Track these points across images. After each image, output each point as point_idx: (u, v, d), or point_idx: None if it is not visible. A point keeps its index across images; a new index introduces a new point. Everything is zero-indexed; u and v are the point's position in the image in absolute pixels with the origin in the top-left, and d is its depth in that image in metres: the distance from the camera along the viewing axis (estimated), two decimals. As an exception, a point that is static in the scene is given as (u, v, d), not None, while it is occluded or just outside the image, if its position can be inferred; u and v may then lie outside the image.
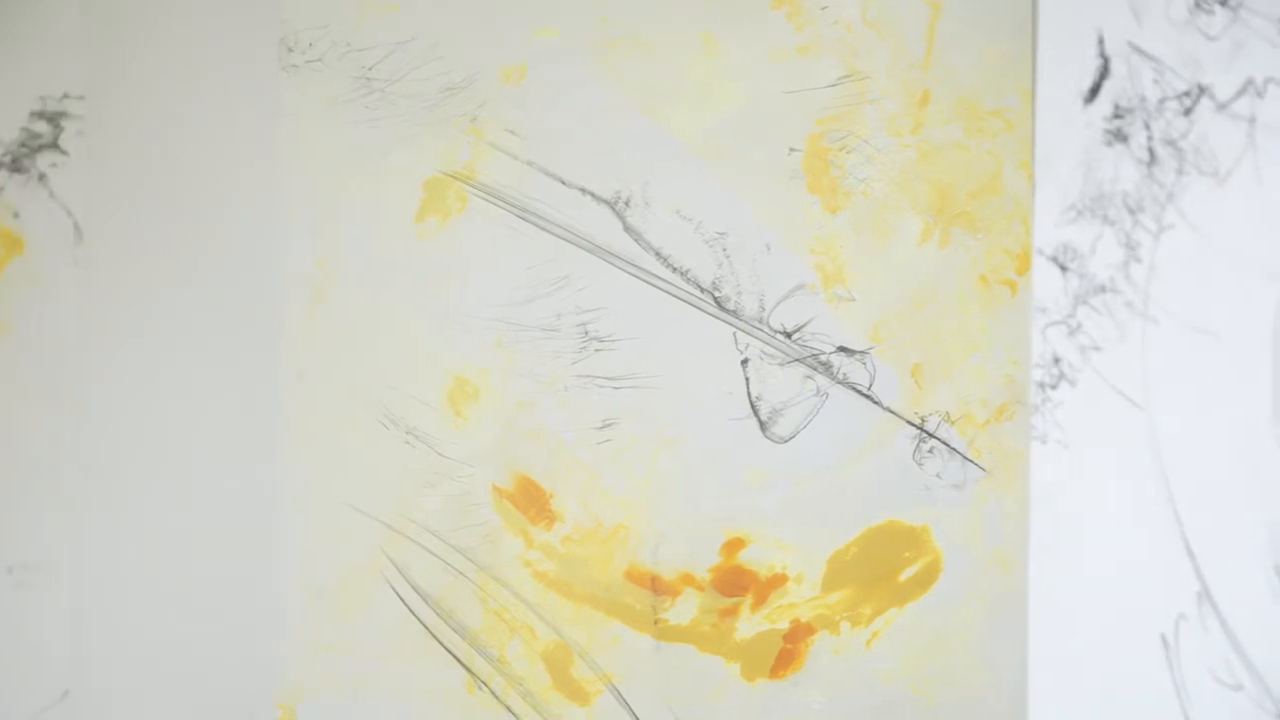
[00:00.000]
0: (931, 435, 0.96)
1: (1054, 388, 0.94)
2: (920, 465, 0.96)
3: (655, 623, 0.96)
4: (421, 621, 0.96)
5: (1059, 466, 0.94)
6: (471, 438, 0.96)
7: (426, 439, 0.96)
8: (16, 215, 0.95)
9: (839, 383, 0.96)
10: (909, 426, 0.96)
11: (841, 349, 0.96)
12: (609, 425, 0.96)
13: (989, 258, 0.96)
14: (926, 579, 0.96)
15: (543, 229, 0.96)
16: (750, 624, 0.96)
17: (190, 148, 0.96)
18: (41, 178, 0.95)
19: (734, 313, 0.96)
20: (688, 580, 0.96)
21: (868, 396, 0.96)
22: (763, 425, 0.96)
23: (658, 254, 0.96)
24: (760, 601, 0.96)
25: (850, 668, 0.96)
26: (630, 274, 0.96)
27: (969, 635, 0.96)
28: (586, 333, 0.96)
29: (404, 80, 0.96)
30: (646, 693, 0.96)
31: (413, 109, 0.96)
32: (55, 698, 0.94)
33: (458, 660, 0.96)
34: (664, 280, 0.96)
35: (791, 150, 0.96)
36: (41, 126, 0.95)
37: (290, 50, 0.96)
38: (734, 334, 0.96)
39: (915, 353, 0.96)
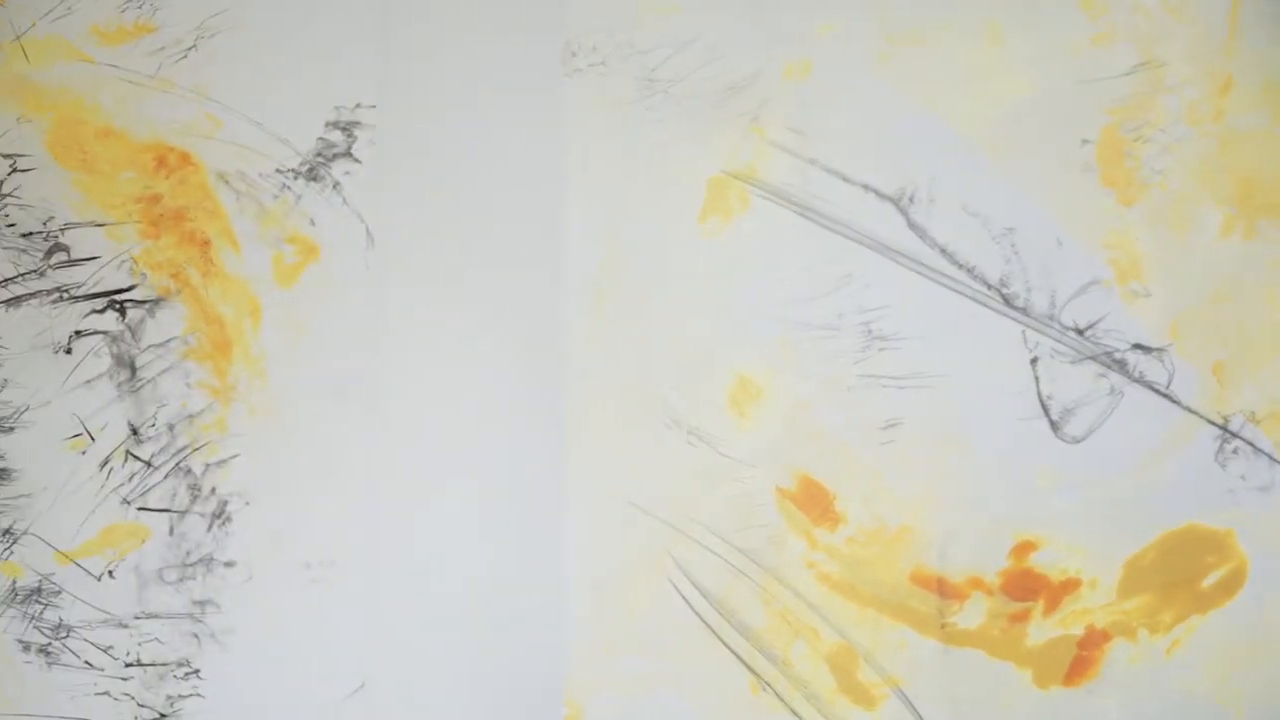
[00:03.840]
0: (1235, 435, 0.99)
1: (1374, 385, 0.97)
2: (1223, 467, 0.99)
3: (942, 626, 1.01)
4: (705, 622, 1.03)
5: (1381, 468, 0.96)
6: (754, 437, 1.03)
7: (709, 439, 1.03)
8: (313, 222, 1.06)
9: (1135, 381, 0.99)
10: (1210, 426, 0.99)
11: (1137, 346, 1.00)
12: (893, 425, 1.02)
13: (1298, 250, 0.99)
14: (1231, 585, 0.99)
15: (825, 227, 1.02)
16: (1042, 629, 1.00)
17: (477, 153, 1.05)
18: (336, 186, 1.06)
19: (1023, 310, 1.00)
20: (976, 583, 1.01)
21: (1166, 395, 0.99)
22: (1054, 425, 1.00)
23: (943, 251, 1.01)
24: (1053, 606, 1.00)
25: (1149, 676, 0.99)
26: (914, 271, 1.01)
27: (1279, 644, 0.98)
28: (869, 331, 1.02)
29: (686, 80, 1.03)
30: (934, 698, 1.01)
31: (695, 109, 1.03)
32: (351, 689, 1.05)
33: (741, 661, 1.02)
34: (949, 278, 1.01)
35: (1084, 142, 1.00)
36: (336, 136, 1.06)
37: (574, 54, 1.04)
38: (1023, 332, 1.00)
39: (1217, 349, 0.99)
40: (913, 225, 1.02)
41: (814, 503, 1.03)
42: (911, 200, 1.02)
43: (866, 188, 1.03)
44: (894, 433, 1.02)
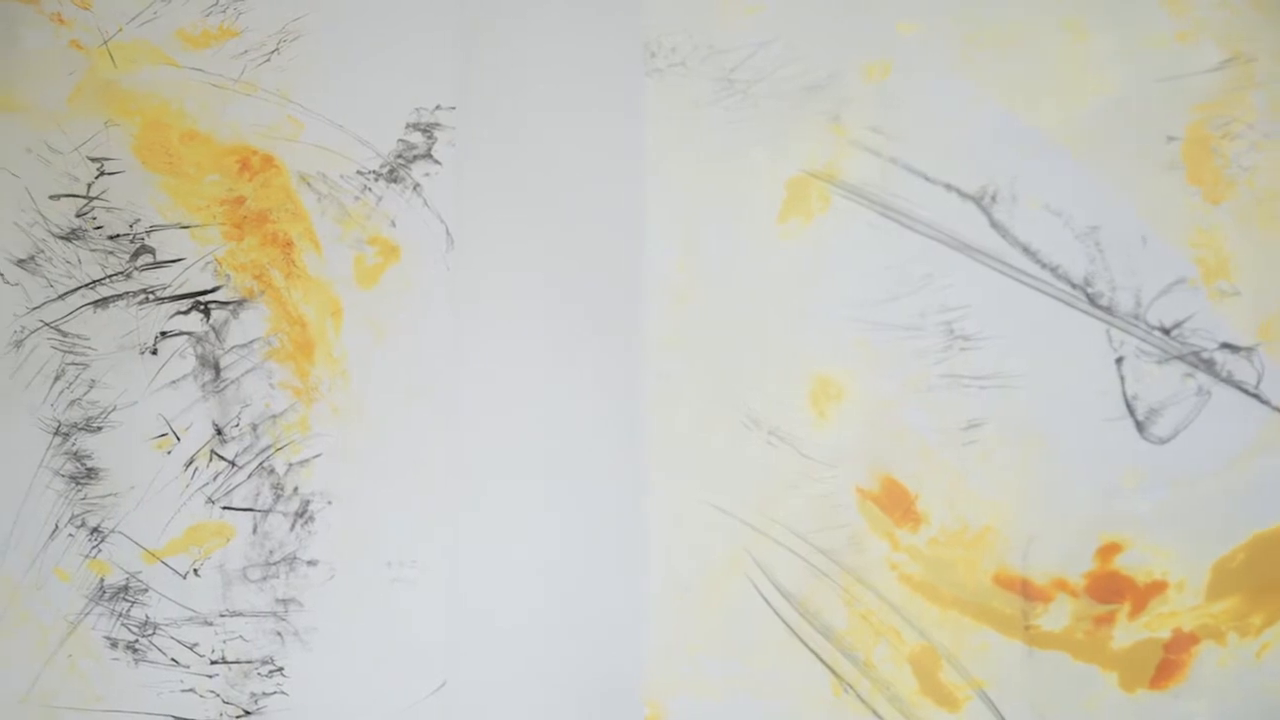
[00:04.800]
0: (1327, 436, 0.99)
1: None
2: (1314, 468, 0.99)
3: (1026, 628, 1.01)
4: (786, 622, 1.04)
5: None
6: (834, 438, 1.04)
7: (789, 439, 1.04)
8: (393, 224, 1.08)
9: (1223, 381, 1.00)
10: (1301, 427, 0.99)
11: (1225, 345, 1.00)
12: (975, 426, 1.03)
13: (1391, 248, 0.99)
14: (1323, 588, 0.99)
15: (906, 226, 1.03)
16: (1128, 632, 1.01)
17: (556, 154, 1.07)
18: (416, 187, 1.08)
19: (1107, 309, 1.01)
20: (1060, 585, 1.01)
21: (1255, 395, 1.00)
22: (1139, 426, 1.01)
23: (1025, 249, 1.02)
24: (1139, 609, 1.01)
25: (1239, 681, 0.99)
26: (997, 271, 1.02)
27: (1373, 648, 0.98)
28: (951, 331, 1.02)
29: (766, 81, 1.05)
30: (1018, 700, 1.01)
31: (775, 109, 1.05)
32: (432, 688, 1.07)
33: (823, 662, 1.04)
34: (1032, 277, 1.02)
35: (1169, 139, 1.01)
36: (416, 138, 1.08)
37: (653, 55, 1.06)
38: (1107, 331, 1.01)
39: (1308, 349, 0.99)
40: (995, 224, 1.03)
41: (896, 503, 1.04)
42: (994, 199, 1.03)
43: (948, 187, 1.04)
44: (976, 433, 1.03)
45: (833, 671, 1.04)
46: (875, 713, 1.04)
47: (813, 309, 1.05)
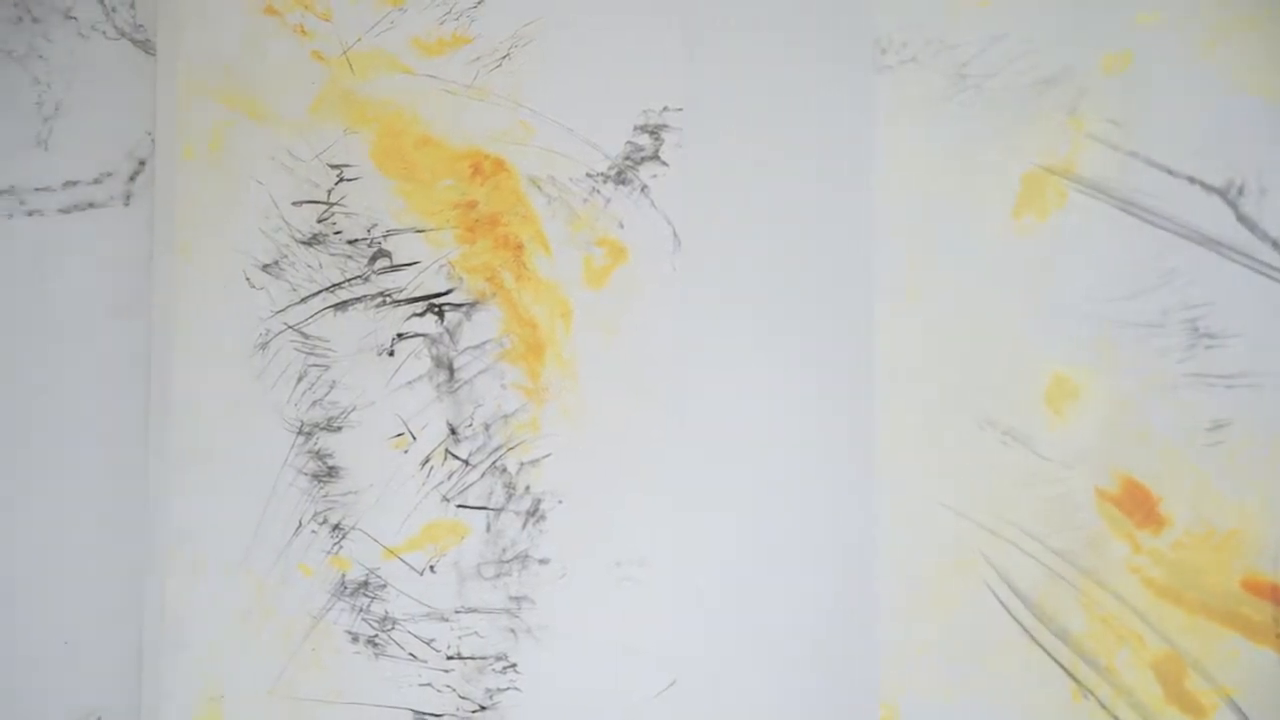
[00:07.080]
0: None
1: None
2: None
3: (1278, 636, 1.01)
4: (1021, 625, 1.05)
5: None
6: (1071, 438, 1.05)
7: (1024, 439, 1.05)
8: (621, 225, 1.12)
9: None
10: None
11: None
12: (1221, 426, 1.02)
13: None
14: None
15: (1147, 221, 1.03)
16: (1390, 642, 0.99)
17: (784, 153, 1.10)
18: (644, 189, 1.12)
19: (1365, 305, 1.00)
20: (1314, 592, 1.01)
21: None
22: (1400, 425, 0.99)
23: (1275, 244, 1.01)
24: (1400, 617, 0.99)
25: None
26: (1244, 266, 1.02)
27: None
28: (1195, 329, 1.02)
29: (999, 75, 1.06)
30: (1272, 710, 1.01)
31: (1008, 104, 1.06)
32: (662, 686, 1.10)
33: (1061, 666, 1.04)
34: (1283, 271, 1.01)
35: None
36: (644, 140, 1.12)
37: (883, 52, 1.08)
38: (1366, 327, 1.00)
39: None
40: (1242, 218, 1.03)
41: (1137, 505, 1.04)
42: (1241, 192, 1.03)
43: (1192, 180, 1.04)
44: (1223, 433, 1.03)
45: (1071, 676, 1.05)
46: (1117, 719, 1.04)
47: (1049, 306, 1.06)
